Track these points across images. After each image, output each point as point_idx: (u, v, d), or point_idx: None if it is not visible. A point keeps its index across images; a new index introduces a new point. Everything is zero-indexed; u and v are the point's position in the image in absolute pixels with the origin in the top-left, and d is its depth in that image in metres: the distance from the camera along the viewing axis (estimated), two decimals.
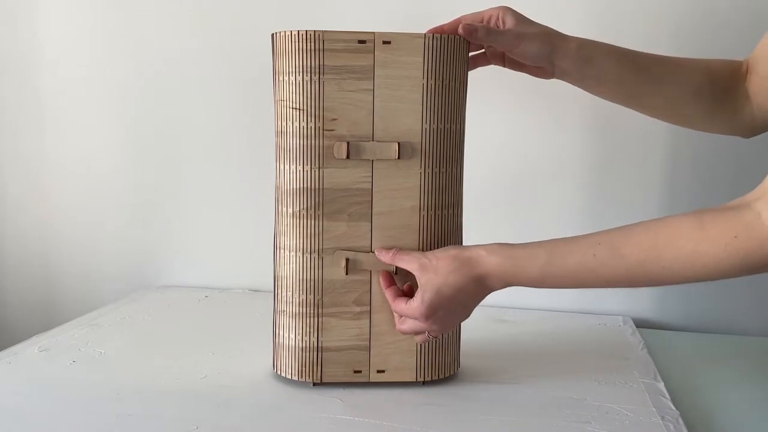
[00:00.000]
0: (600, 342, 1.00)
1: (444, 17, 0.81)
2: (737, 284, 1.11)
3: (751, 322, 1.12)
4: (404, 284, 0.79)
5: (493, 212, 1.15)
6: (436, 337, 0.78)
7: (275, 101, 0.79)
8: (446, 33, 0.78)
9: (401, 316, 0.76)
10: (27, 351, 0.91)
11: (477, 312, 1.10)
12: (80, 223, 1.29)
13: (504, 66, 0.85)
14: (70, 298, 1.30)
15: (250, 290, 1.23)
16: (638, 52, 0.83)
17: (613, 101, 0.86)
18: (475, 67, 0.85)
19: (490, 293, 0.74)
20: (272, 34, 0.78)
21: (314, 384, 0.81)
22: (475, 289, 0.72)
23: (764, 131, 0.86)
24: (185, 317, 1.09)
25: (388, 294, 0.77)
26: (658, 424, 0.72)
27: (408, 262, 0.75)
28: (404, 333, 0.76)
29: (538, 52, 0.78)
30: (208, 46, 1.20)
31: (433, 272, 0.72)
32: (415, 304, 0.73)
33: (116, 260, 1.28)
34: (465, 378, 0.84)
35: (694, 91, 0.83)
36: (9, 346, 0.92)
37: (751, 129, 0.86)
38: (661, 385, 0.83)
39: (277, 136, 0.80)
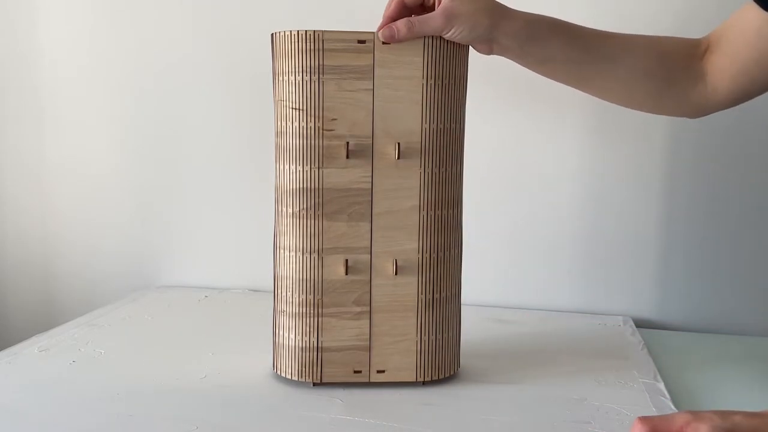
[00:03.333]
0: (600, 342, 1.00)
1: None
2: (737, 284, 1.11)
3: (752, 322, 1.12)
4: None
5: (494, 211, 1.15)
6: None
7: (275, 101, 0.79)
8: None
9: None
10: (27, 351, 0.91)
11: (477, 312, 1.10)
12: (80, 223, 1.29)
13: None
14: (70, 298, 1.30)
15: (250, 290, 1.23)
16: (587, 29, 0.79)
17: (559, 81, 0.82)
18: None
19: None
20: (272, 34, 0.78)
21: (314, 384, 0.81)
22: None
23: (714, 111, 0.83)
24: (185, 317, 1.09)
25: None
26: None
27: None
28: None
29: (471, 34, 0.74)
30: (208, 46, 1.20)
31: None
32: None
33: (116, 260, 1.28)
34: (465, 378, 0.84)
35: (645, 71, 0.79)
36: (9, 346, 0.92)
37: (701, 109, 0.82)
38: (661, 385, 0.82)
39: (277, 136, 0.80)
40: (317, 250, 0.79)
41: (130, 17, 1.22)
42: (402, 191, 0.78)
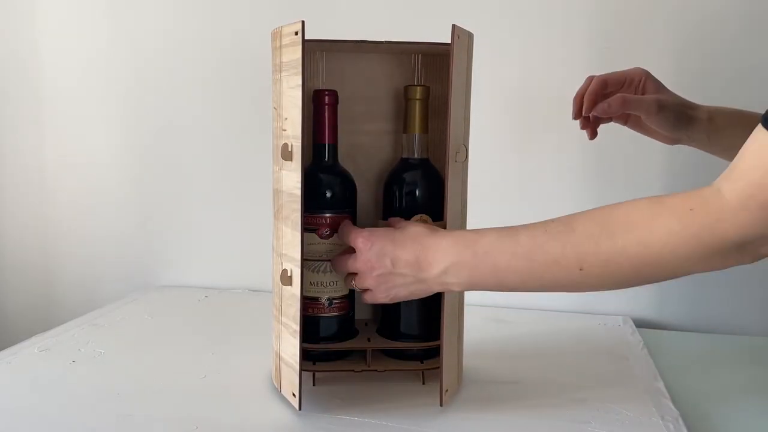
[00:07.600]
0: (600, 342, 1.00)
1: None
2: (737, 284, 1.11)
3: (752, 322, 1.12)
4: None
5: (495, 212, 1.15)
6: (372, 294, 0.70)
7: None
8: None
9: (352, 273, 0.71)
10: (27, 351, 0.91)
11: (477, 312, 1.10)
12: (80, 223, 1.29)
13: (625, 125, 0.85)
14: (70, 298, 1.30)
15: (250, 290, 1.23)
16: (747, 112, 0.81)
17: None
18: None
19: (435, 274, 0.67)
20: (272, 32, 0.78)
21: (314, 384, 0.81)
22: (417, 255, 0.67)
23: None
24: (185, 317, 1.09)
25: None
26: (658, 424, 0.72)
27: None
28: (354, 284, 0.71)
29: (674, 124, 0.79)
30: (209, 46, 1.20)
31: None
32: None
33: (116, 260, 1.28)
34: (465, 378, 0.84)
35: None
36: (9, 346, 0.92)
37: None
38: (661, 385, 0.82)
39: (274, 137, 0.80)
40: None
41: (130, 17, 1.22)
42: None
